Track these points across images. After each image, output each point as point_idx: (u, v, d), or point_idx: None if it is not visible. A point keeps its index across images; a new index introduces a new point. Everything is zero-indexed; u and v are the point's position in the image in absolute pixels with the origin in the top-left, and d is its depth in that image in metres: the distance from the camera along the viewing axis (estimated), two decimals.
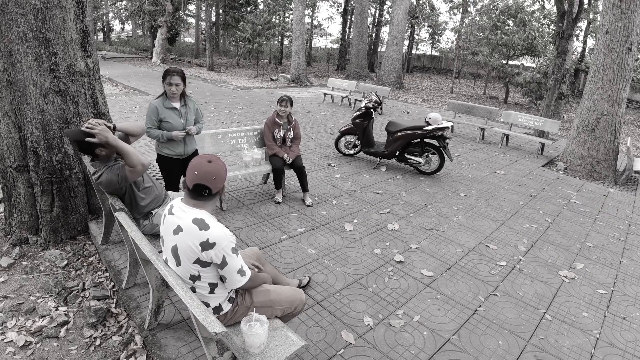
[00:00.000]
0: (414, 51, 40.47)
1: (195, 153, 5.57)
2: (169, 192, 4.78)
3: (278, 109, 6.45)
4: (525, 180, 8.74)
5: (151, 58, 34.41)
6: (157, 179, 5.64)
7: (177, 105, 5.11)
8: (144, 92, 17.33)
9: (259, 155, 6.65)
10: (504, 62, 22.51)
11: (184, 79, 4.97)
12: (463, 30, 26.57)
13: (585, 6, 22.97)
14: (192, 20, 45.78)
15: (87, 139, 3.91)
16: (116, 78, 21.47)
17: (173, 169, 5.27)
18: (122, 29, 57.28)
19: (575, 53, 25.81)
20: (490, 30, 22.15)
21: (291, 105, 6.48)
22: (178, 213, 3.07)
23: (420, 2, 35.53)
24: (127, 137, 4.34)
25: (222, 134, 6.53)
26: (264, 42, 27.81)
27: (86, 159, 4.53)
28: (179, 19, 34.43)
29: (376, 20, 39.22)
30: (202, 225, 2.98)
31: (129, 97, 15.85)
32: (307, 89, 22.63)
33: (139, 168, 3.90)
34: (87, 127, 3.93)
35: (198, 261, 3.01)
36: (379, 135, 11.46)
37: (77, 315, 4.18)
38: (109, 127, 4.05)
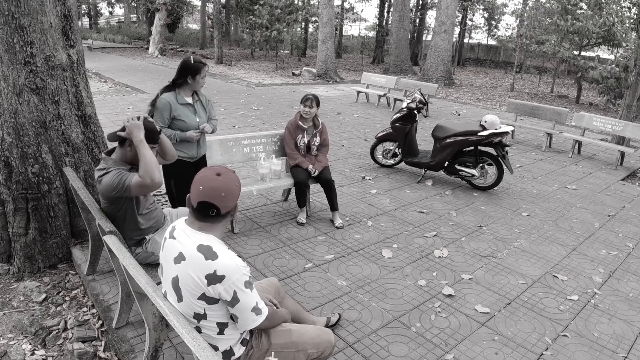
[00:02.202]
0: (466, 40, 40.41)
1: (204, 161, 5.67)
2: (179, 209, 4.78)
3: (302, 111, 6.52)
4: (602, 197, 8.65)
5: (147, 48, 35.04)
6: (157, 200, 5.68)
7: (189, 100, 5.24)
8: (138, 89, 17.66)
9: (278, 167, 6.67)
10: (576, 53, 22.28)
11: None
12: (526, 14, 26.43)
13: None
14: (197, 3, 46.42)
15: (117, 133, 4.05)
16: (105, 73, 21.93)
17: (184, 175, 5.36)
18: (112, 13, 58.08)
19: None
20: (559, 15, 21.97)
21: (317, 105, 6.55)
22: (181, 237, 3.04)
23: None
24: (157, 155, 4.39)
25: (234, 141, 6.57)
26: (284, 29, 28.12)
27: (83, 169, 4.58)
28: (181, 1, 34.96)
29: (420, 2, 39.28)
30: (208, 253, 2.93)
31: (121, 95, 16.15)
32: (336, 85, 22.81)
33: (147, 181, 3.88)
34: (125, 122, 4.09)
35: (203, 297, 2.96)
36: (424, 142, 11.46)
37: None
38: (153, 130, 4.14)
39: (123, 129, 4.01)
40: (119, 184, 3.94)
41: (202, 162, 5.61)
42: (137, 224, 4.23)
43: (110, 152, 4.15)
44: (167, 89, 5.26)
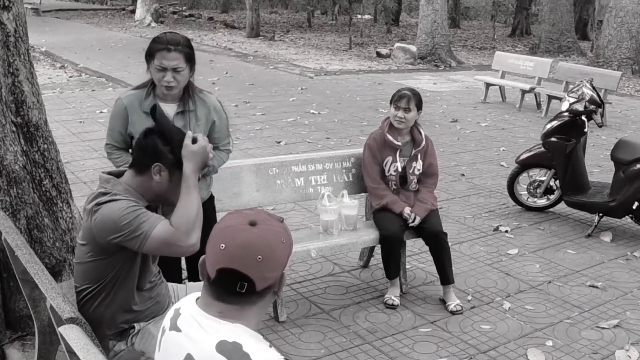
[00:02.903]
0: None
1: (211, 205, 5.64)
2: (186, 285, 4.81)
3: (393, 116, 6.59)
4: None
5: (133, 12, 35.73)
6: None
7: (170, 109, 5.18)
8: (118, 80, 18.07)
9: (353, 210, 6.69)
10: None
11: (189, 57, 5.09)
12: None
13: None
14: None
15: (186, 139, 4.01)
16: (62, 52, 22.38)
17: None
18: None
19: None
20: None
21: (419, 107, 6.62)
22: (190, 329, 3.00)
23: None
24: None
25: (279, 167, 6.63)
26: None
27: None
28: None
29: None
30: (236, 356, 2.92)
31: (88, 90, 16.49)
32: (450, 73, 22.95)
33: (179, 237, 3.86)
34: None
35: None
36: (598, 168, 11.43)
37: None
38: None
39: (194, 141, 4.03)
40: (132, 226, 3.85)
41: (206, 207, 5.49)
42: (130, 303, 4.25)
43: (116, 174, 4.16)
44: (143, 85, 5.32)
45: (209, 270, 2.97)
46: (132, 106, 5.13)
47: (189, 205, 3.92)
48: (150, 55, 5.02)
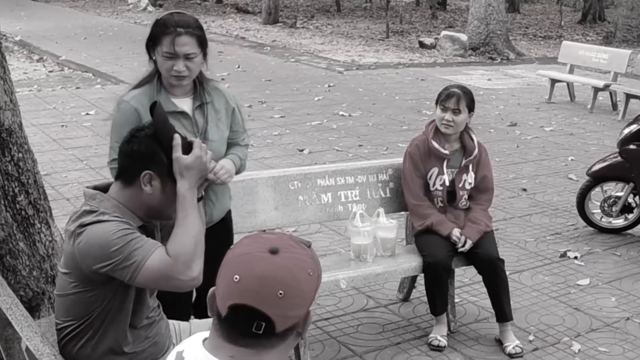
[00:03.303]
0: None
1: (227, 225, 5.67)
2: (190, 322, 4.83)
3: (439, 119, 6.60)
4: None
5: None
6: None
7: (185, 104, 5.24)
8: (108, 76, 18.12)
9: (390, 232, 6.66)
10: None
11: (202, 41, 5.09)
12: None
13: None
14: None
15: (174, 149, 3.93)
16: (40, 42, 22.44)
17: None
18: None
19: None
20: None
21: (470, 109, 6.64)
22: None
23: None
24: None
25: (302, 179, 6.64)
26: None
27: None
28: None
29: None
30: None
31: (72, 88, 16.54)
32: (507, 67, 22.98)
33: (178, 269, 3.82)
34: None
35: None
36: None
37: None
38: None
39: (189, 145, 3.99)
40: (123, 254, 3.79)
41: (220, 229, 5.56)
42: (122, 343, 4.20)
43: (103, 188, 4.11)
44: (147, 80, 5.30)
45: (220, 306, 2.90)
46: (144, 107, 5.00)
47: (187, 231, 3.87)
48: (154, 41, 5.00)
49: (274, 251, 2.88)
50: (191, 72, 5.03)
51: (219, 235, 5.25)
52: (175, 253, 3.80)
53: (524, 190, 10.89)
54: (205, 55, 5.11)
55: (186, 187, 3.89)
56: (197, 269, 3.86)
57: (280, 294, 2.83)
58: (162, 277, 3.82)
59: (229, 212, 5.64)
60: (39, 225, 5.71)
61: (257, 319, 2.84)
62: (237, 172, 5.35)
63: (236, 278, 2.85)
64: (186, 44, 4.93)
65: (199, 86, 5.23)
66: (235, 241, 3.39)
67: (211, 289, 2.94)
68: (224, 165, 5.16)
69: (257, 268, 2.87)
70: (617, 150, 8.97)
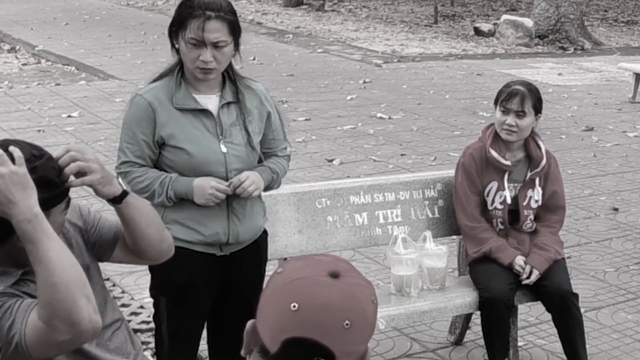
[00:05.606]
0: None
1: (260, 250, 5.45)
2: None
3: (499, 123, 6.32)
4: None
5: None
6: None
7: (210, 102, 5.11)
8: (97, 70, 18.13)
9: (439, 260, 6.39)
10: None
11: (234, 27, 4.94)
12: None
13: None
14: None
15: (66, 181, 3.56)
16: (12, 28, 22.54)
17: (196, 292, 5.21)
18: None
19: None
20: None
21: (537, 110, 6.34)
22: None
23: None
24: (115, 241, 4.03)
25: (331, 196, 6.43)
26: None
27: None
28: None
29: None
30: None
31: (50, 84, 16.53)
32: (582, 59, 22.86)
33: (57, 329, 3.39)
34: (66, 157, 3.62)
35: None
36: None
37: None
38: (50, 180, 3.56)
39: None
40: (1, 340, 3.55)
41: (250, 253, 5.34)
42: None
43: None
44: (167, 72, 5.16)
45: (269, 342, 2.62)
46: (160, 102, 5.00)
47: (48, 279, 3.34)
48: (178, 26, 4.90)
49: (335, 275, 2.68)
50: (219, 63, 4.94)
51: (248, 262, 5.34)
52: (47, 317, 3.40)
53: (615, 209, 10.27)
54: (237, 45, 4.99)
55: (20, 217, 3.27)
56: (83, 316, 3.44)
57: (347, 324, 2.65)
58: (51, 347, 3.52)
59: (264, 234, 5.46)
60: None
61: (317, 354, 2.61)
62: (269, 188, 5.27)
63: (294, 306, 2.61)
64: (216, 30, 4.85)
65: (228, 81, 5.16)
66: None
67: (250, 322, 2.71)
68: (249, 176, 5.08)
69: (320, 295, 2.68)
70: None
